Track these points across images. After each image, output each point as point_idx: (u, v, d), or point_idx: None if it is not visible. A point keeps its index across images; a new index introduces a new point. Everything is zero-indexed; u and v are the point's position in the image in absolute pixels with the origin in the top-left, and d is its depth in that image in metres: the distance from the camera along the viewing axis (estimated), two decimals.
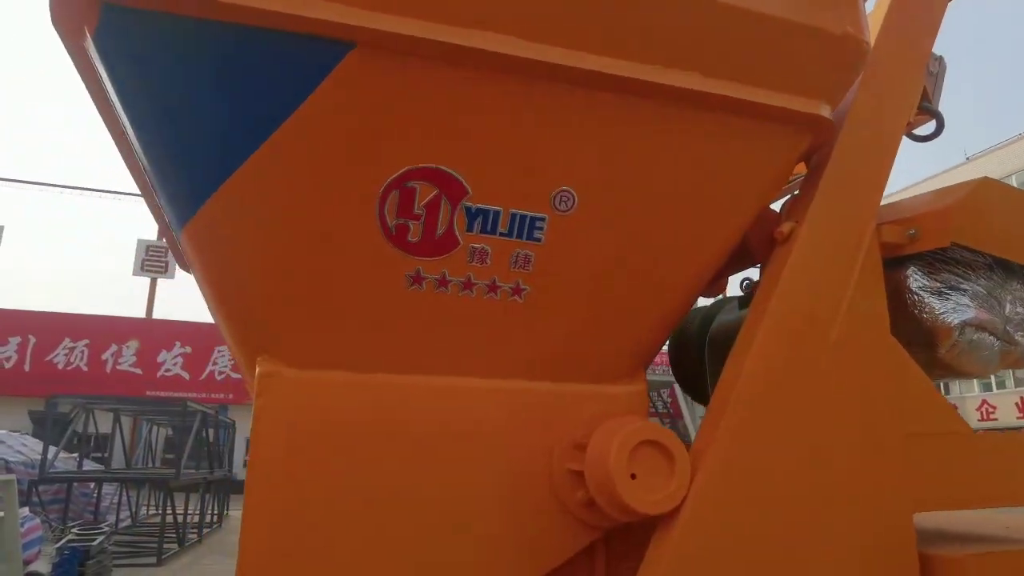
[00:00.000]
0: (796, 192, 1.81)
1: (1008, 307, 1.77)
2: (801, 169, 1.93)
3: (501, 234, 1.46)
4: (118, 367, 27.46)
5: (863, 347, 1.60)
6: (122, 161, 1.85)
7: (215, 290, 1.45)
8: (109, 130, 1.63)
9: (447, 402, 1.52)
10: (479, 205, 1.43)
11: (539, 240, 1.48)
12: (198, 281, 1.50)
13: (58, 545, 10.15)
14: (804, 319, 1.56)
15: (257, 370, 1.41)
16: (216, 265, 1.42)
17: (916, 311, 1.72)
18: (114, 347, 27.56)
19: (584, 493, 1.50)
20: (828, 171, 1.69)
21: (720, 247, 1.64)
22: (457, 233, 1.44)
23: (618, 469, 1.38)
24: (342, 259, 1.41)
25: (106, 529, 12.47)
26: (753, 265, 2.19)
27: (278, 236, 1.38)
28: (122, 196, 32.20)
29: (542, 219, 1.47)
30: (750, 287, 2.38)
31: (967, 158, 37.02)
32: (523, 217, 1.46)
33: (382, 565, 1.43)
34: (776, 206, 1.90)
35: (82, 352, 27.17)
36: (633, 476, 1.39)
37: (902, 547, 1.51)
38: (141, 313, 30.05)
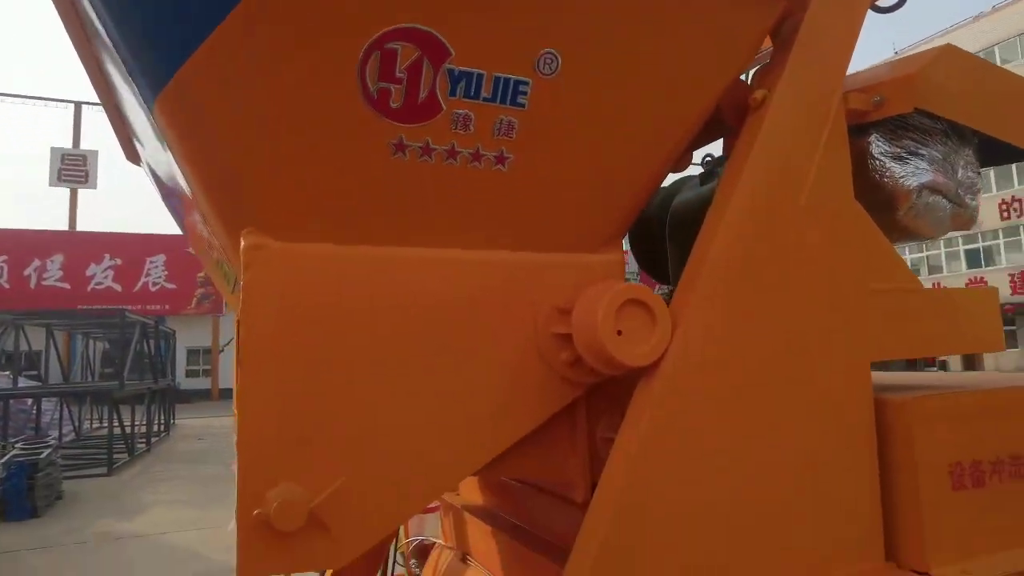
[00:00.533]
0: (767, 62, 1.83)
1: (960, 171, 1.86)
2: (766, 45, 1.94)
3: (484, 99, 1.44)
4: (43, 283, 26.36)
5: (830, 210, 1.67)
6: (70, 43, 1.72)
7: (194, 164, 1.39)
8: (58, 7, 1.50)
9: (432, 275, 1.53)
10: (462, 68, 1.40)
11: (523, 106, 1.47)
12: (175, 158, 1.44)
13: (3, 461, 10.03)
14: (777, 182, 1.62)
15: (243, 243, 1.38)
16: (194, 137, 1.36)
17: (877, 176, 1.80)
18: (36, 262, 26.34)
19: (569, 354, 1.56)
20: (799, 39, 1.71)
21: (697, 114, 1.66)
22: (440, 98, 1.41)
23: (606, 327, 1.44)
24: (325, 126, 1.37)
25: (52, 442, 12.33)
26: (717, 138, 2.23)
27: (258, 103, 1.33)
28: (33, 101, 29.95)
29: (526, 83, 1.45)
30: (711, 164, 2.43)
31: (896, 52, 37.67)
32: (507, 81, 1.43)
33: (373, 433, 1.47)
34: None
35: (0, 269, 25.87)
36: (619, 333, 1.45)
37: (861, 392, 1.65)
38: (63, 226, 28.61)
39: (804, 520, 1.56)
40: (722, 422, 1.50)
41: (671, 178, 2.33)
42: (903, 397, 1.69)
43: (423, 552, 3.19)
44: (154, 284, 28.20)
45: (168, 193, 2.24)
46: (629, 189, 1.67)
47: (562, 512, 1.96)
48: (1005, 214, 30.84)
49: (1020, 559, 1.70)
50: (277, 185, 1.40)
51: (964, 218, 1.90)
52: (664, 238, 2.34)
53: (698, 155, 2.41)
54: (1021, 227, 30.65)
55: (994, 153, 2.04)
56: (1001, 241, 31.51)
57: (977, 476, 1.71)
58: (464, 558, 2.68)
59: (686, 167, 2.23)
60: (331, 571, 2.86)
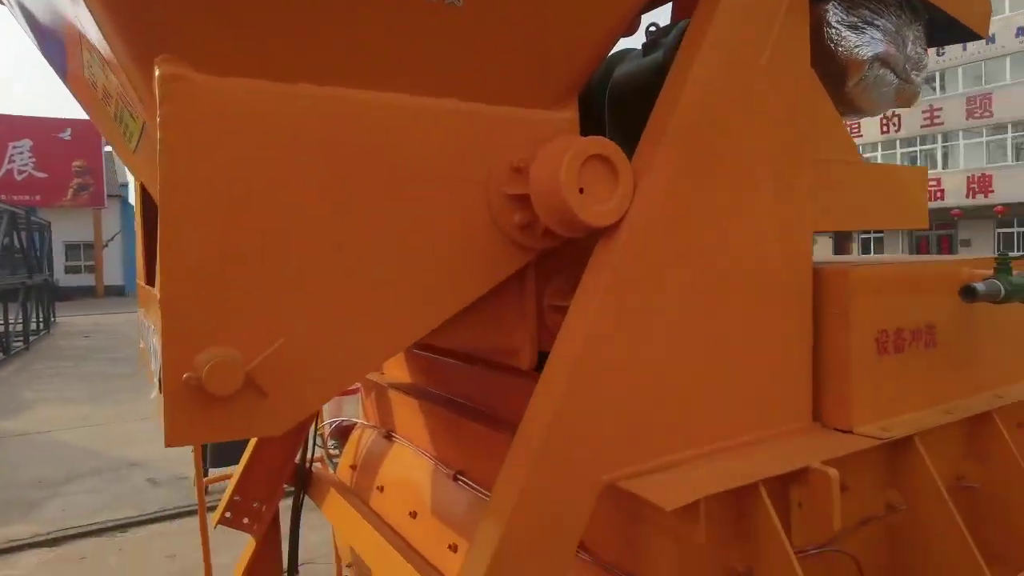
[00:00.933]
0: None
1: (910, 46, 1.86)
2: None
3: None
4: None
5: (788, 74, 1.64)
6: None
7: None
8: None
9: (375, 120, 1.39)
10: None
11: None
12: None
13: None
14: (741, 39, 1.55)
15: (157, 71, 1.18)
16: None
17: (832, 45, 1.77)
18: None
19: (523, 216, 1.48)
20: None
21: None
22: None
23: (568, 183, 1.36)
24: None
25: None
26: (665, 2, 2.15)
27: None
28: None
29: None
30: (655, 34, 2.34)
31: None
32: None
33: (313, 293, 1.35)
34: None
35: None
36: (581, 191, 1.38)
37: (803, 260, 1.68)
38: None
39: (744, 381, 1.60)
40: (676, 281, 1.48)
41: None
42: (840, 266, 1.74)
43: (343, 433, 3.15)
44: (20, 172, 25.63)
45: (45, 33, 1.92)
46: (587, 41, 1.55)
47: (502, 382, 1.94)
48: (885, 128, 32.67)
49: (929, 418, 1.83)
50: (199, 4, 1.19)
51: (907, 94, 1.91)
52: (602, 111, 2.26)
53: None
54: (897, 141, 32.63)
55: (938, 33, 2.05)
56: (879, 154, 33.48)
57: (899, 343, 1.80)
58: (388, 435, 2.65)
59: (636, 31, 2.13)
60: (251, 450, 2.78)
